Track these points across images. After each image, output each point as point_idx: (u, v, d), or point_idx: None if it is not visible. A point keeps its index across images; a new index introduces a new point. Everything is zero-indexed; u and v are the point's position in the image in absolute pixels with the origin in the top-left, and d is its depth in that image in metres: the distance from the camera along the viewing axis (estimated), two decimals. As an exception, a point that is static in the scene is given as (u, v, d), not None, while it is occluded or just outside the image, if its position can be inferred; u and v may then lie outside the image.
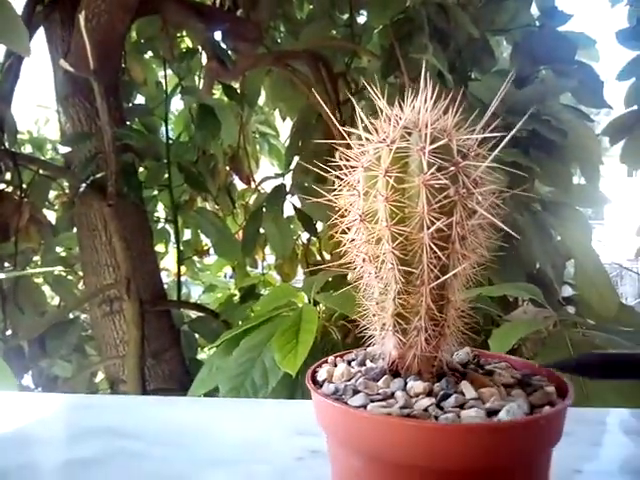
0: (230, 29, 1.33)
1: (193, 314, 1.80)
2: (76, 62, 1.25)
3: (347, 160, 0.30)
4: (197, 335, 1.69)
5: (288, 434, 0.46)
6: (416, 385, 0.29)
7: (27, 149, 1.95)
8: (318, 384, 0.32)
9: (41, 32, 1.38)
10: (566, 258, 1.16)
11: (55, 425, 0.52)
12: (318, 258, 2.06)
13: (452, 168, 0.28)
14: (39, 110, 2.42)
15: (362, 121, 0.30)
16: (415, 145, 0.28)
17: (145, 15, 1.41)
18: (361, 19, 1.68)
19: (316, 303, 0.82)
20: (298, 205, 1.62)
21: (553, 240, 1.16)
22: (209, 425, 0.49)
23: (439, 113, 0.29)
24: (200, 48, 1.55)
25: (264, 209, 1.57)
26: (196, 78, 1.79)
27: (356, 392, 0.30)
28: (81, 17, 1.15)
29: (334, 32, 1.60)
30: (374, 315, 0.31)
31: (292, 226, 1.82)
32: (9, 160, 1.31)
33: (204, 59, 1.58)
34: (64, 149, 1.36)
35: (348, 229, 0.31)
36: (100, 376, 1.76)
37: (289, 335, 0.72)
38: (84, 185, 1.25)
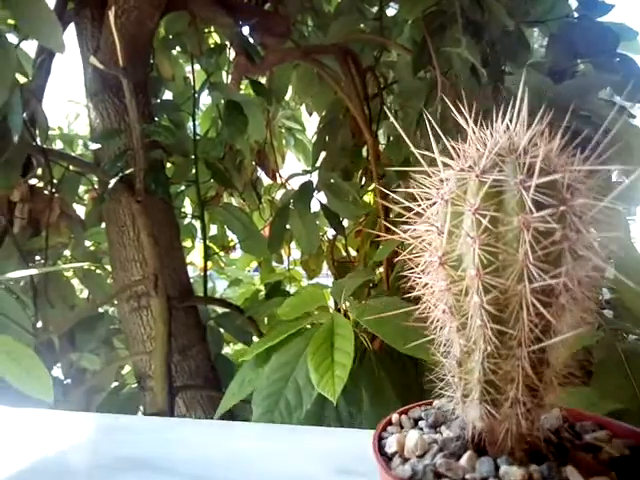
0: (258, 24, 1.32)
1: (219, 309, 1.81)
2: (105, 59, 1.26)
3: (419, 187, 0.26)
4: (222, 330, 1.70)
5: (330, 471, 0.42)
6: (511, 471, 0.24)
7: (58, 145, 1.98)
8: (386, 456, 0.27)
9: (71, 28, 1.39)
10: (605, 258, 1.12)
11: (83, 454, 0.50)
12: (344, 254, 2.05)
13: (562, 207, 0.23)
14: (70, 105, 2.46)
15: (438, 141, 0.25)
16: (512, 177, 0.23)
17: (174, 10, 1.40)
18: (390, 11, 1.64)
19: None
20: (324, 201, 1.61)
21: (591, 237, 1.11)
22: (246, 456, 0.46)
23: (537, 136, 0.25)
24: (228, 43, 1.54)
25: (291, 206, 1.56)
26: (224, 74, 1.79)
27: (438, 476, 0.25)
28: (110, 13, 1.15)
29: (363, 26, 1.57)
30: (453, 376, 0.27)
31: (318, 222, 1.80)
32: (40, 156, 1.33)
33: (232, 54, 1.57)
34: (94, 145, 1.37)
35: (422, 271, 0.26)
36: (127, 368, 1.79)
37: (323, 352, 0.68)
38: (113, 181, 1.26)
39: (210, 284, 2.52)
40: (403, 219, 0.26)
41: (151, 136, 1.30)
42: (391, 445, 0.28)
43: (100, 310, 1.62)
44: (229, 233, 2.07)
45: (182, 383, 1.39)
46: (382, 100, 1.53)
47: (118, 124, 1.35)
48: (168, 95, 1.82)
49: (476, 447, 0.27)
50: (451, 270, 0.25)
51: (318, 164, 1.74)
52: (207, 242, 1.89)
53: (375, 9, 1.57)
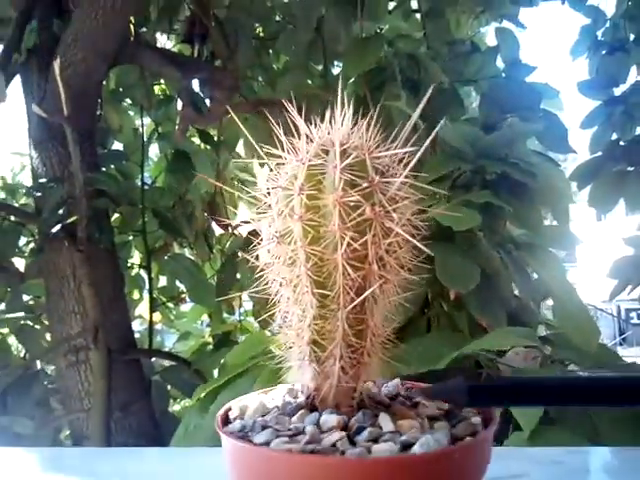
0: (207, 77, 1.36)
1: (166, 363, 1.74)
2: (50, 108, 1.26)
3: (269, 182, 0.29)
4: (169, 386, 1.63)
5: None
6: (330, 419, 0.27)
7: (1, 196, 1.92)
8: (228, 421, 0.30)
9: (17, 79, 1.39)
10: (544, 296, 1.16)
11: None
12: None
13: (366, 185, 0.27)
14: (15, 158, 2.40)
15: (282, 142, 0.29)
16: (331, 163, 0.27)
17: (122, 63, 1.43)
18: (335, 70, 1.74)
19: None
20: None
21: (531, 277, 1.16)
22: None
23: (360, 132, 0.29)
24: (176, 95, 1.57)
25: (239, 254, 1.55)
26: (174, 125, 1.81)
27: (265, 428, 0.27)
28: (56, 65, 1.16)
29: (309, 82, 1.65)
30: (292, 345, 0.29)
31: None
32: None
33: (180, 105, 1.60)
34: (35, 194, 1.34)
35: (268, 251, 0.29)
36: (66, 432, 1.67)
37: (273, 383, 0.68)
38: (53, 230, 1.22)
39: (159, 338, 2.44)
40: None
41: (95, 185, 1.29)
42: (234, 412, 0.30)
43: (37, 368, 1.53)
44: (180, 285, 2.03)
45: (122, 442, 1.31)
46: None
47: (61, 173, 1.33)
48: (119, 146, 1.83)
49: (310, 407, 0.29)
50: (286, 246, 0.28)
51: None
52: (154, 293, 1.84)
53: (320, 67, 1.65)
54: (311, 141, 0.29)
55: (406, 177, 0.28)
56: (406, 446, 0.25)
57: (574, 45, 1.64)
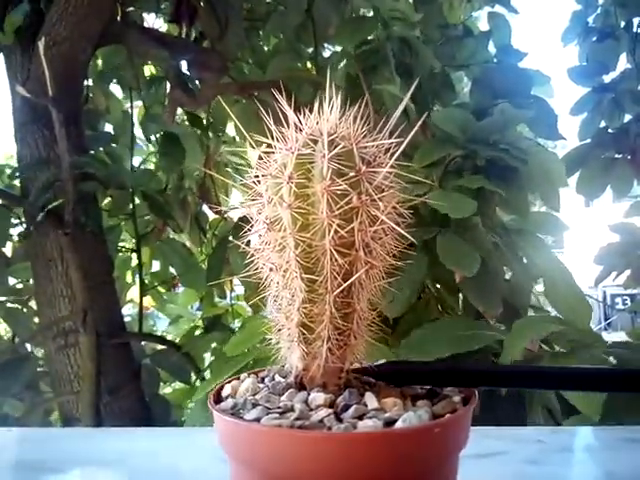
0: (195, 59, 1.34)
1: (158, 347, 1.74)
2: (35, 89, 1.23)
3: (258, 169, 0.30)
4: (160, 370, 1.63)
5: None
6: (317, 397, 0.28)
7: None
8: (221, 401, 0.31)
9: (0, 58, 1.36)
10: (536, 277, 1.17)
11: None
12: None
13: (353, 174, 0.28)
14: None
15: (271, 130, 0.30)
16: (319, 152, 0.28)
17: (109, 44, 1.41)
18: (326, 53, 1.72)
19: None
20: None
21: (523, 261, 1.17)
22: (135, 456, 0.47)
23: (348, 122, 0.29)
24: (165, 77, 1.55)
25: (230, 238, 1.55)
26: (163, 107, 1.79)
27: (256, 406, 0.29)
28: (40, 44, 1.13)
29: (299, 64, 1.63)
30: (281, 328, 0.31)
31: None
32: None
33: (169, 87, 1.58)
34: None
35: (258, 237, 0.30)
36: (55, 414, 1.67)
37: None
38: (40, 214, 1.21)
39: (151, 322, 2.44)
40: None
41: (82, 167, 1.27)
42: (226, 390, 0.32)
43: (27, 351, 1.52)
44: (173, 270, 2.02)
45: (112, 425, 1.31)
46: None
47: (47, 155, 1.31)
48: (109, 128, 1.80)
49: (299, 387, 0.31)
50: (276, 233, 0.29)
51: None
52: (144, 277, 1.84)
53: (311, 49, 1.63)
54: (300, 130, 0.29)
55: (392, 166, 0.29)
56: (389, 422, 0.26)
57: (565, 31, 1.63)
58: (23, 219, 1.46)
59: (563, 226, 1.31)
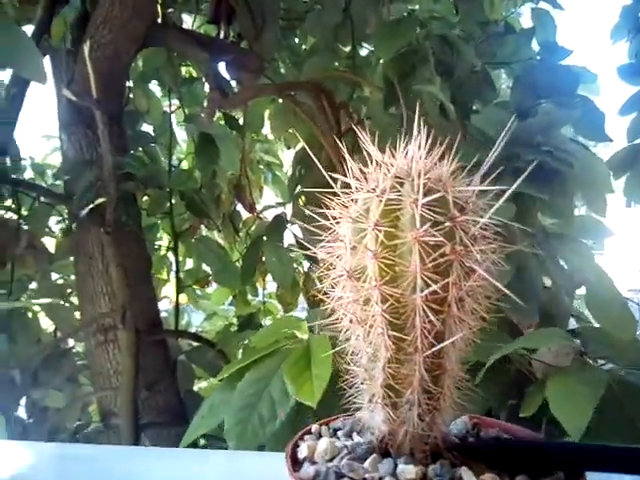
0: (232, 60, 1.35)
1: (193, 344, 1.77)
2: (79, 91, 1.26)
3: (334, 209, 0.28)
4: (194, 366, 1.66)
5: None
6: (407, 470, 0.26)
7: (29, 174, 1.96)
8: (298, 463, 0.28)
9: (46, 60, 1.40)
10: (578, 285, 1.13)
11: None
12: (319, 286, 2.03)
13: (448, 223, 0.25)
14: (46, 141, 2.44)
15: (351, 168, 0.27)
16: (407, 197, 0.26)
17: (151, 46, 1.43)
18: (363, 51, 1.70)
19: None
20: (299, 234, 1.61)
21: (563, 268, 1.13)
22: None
23: (434, 160, 0.27)
24: (203, 78, 1.56)
25: (264, 237, 1.56)
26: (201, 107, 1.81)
27: (340, 477, 0.26)
28: (86, 47, 1.16)
29: (337, 64, 1.62)
30: (362, 383, 0.28)
31: (293, 255, 1.80)
32: (9, 186, 1.31)
33: (207, 88, 1.59)
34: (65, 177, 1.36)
35: (335, 285, 0.28)
36: (93, 407, 1.72)
37: (301, 366, 0.68)
38: (83, 212, 1.24)
39: (186, 317, 2.48)
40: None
41: (123, 167, 1.30)
42: (302, 451, 0.29)
43: (69, 345, 1.57)
44: (206, 267, 2.05)
45: (149, 420, 1.34)
46: (355, 135, 1.56)
47: (90, 155, 1.35)
48: (148, 129, 1.83)
49: (382, 451, 0.28)
50: (357, 282, 0.26)
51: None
52: (180, 274, 1.87)
53: (348, 48, 1.62)
54: (380, 167, 0.27)
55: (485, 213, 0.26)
56: None
57: (614, 27, 1.56)
58: (66, 216, 1.51)
59: (607, 231, 1.26)
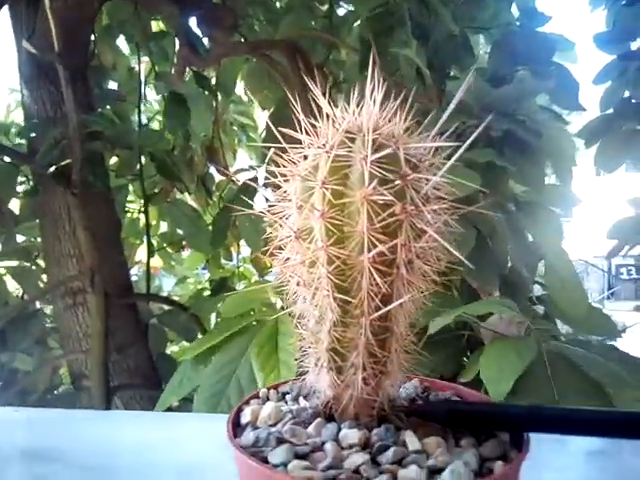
0: (204, 15, 1.29)
1: (164, 307, 1.76)
2: (40, 43, 1.20)
3: (285, 166, 0.26)
4: (166, 329, 1.65)
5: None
6: (350, 434, 0.25)
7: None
8: (241, 428, 0.27)
9: (5, 10, 1.31)
10: (539, 258, 1.16)
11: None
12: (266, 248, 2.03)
13: (399, 181, 0.23)
14: (9, 93, 2.32)
15: (302, 122, 0.26)
16: (358, 153, 0.24)
17: (116, -3, 1.36)
18: (341, 11, 1.65)
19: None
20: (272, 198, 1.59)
21: (527, 240, 1.16)
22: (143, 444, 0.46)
23: (389, 116, 0.25)
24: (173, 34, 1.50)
25: (235, 202, 1.54)
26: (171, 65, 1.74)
27: (281, 442, 0.25)
28: (46, -4, 1.09)
29: (313, 23, 1.57)
30: (309, 346, 0.27)
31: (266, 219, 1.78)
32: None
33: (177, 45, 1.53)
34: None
35: (284, 247, 0.26)
36: (63, 369, 1.71)
37: (268, 351, 0.68)
38: (47, 173, 1.20)
39: (157, 282, 2.46)
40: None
41: (90, 126, 1.25)
42: (246, 415, 0.28)
43: (36, 307, 1.55)
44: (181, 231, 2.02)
45: (120, 382, 1.34)
46: (330, 97, 1.53)
47: (54, 113, 1.29)
48: (114, 86, 1.76)
49: (327, 416, 0.27)
50: (305, 243, 0.25)
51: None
52: (152, 238, 1.84)
53: (325, 7, 1.57)
54: (333, 123, 0.25)
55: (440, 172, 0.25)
56: (433, 471, 0.23)
57: (593, -7, 1.55)
58: (30, 177, 1.45)
59: (576, 200, 1.29)
